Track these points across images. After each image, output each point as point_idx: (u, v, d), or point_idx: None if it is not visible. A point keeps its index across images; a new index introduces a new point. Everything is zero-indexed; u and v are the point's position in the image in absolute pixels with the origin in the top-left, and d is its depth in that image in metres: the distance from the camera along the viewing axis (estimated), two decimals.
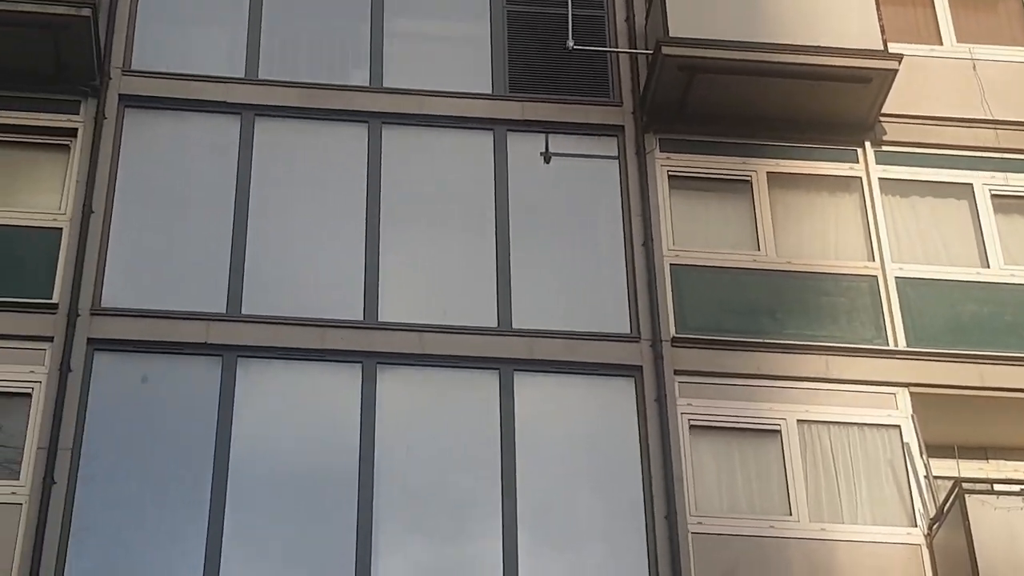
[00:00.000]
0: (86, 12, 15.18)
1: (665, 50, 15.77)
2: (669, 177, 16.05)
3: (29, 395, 14.04)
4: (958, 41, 17.33)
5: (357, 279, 15.10)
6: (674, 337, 15.02)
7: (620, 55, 16.74)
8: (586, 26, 16.84)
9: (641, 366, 14.86)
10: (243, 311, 14.78)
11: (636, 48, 16.69)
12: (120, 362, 14.43)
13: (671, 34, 15.88)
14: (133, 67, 16.02)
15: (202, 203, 15.44)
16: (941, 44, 17.35)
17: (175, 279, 14.96)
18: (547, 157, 16.11)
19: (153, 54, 16.21)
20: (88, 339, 14.39)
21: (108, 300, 14.71)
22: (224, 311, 14.74)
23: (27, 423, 13.89)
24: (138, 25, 16.31)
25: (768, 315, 15.36)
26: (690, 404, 14.74)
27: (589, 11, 17.04)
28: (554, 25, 16.83)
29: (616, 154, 16.19)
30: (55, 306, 14.49)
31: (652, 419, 14.55)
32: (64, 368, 14.11)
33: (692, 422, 14.64)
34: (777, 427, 14.68)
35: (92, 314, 14.52)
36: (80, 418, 14.00)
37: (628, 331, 15.11)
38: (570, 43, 16.42)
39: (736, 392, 14.84)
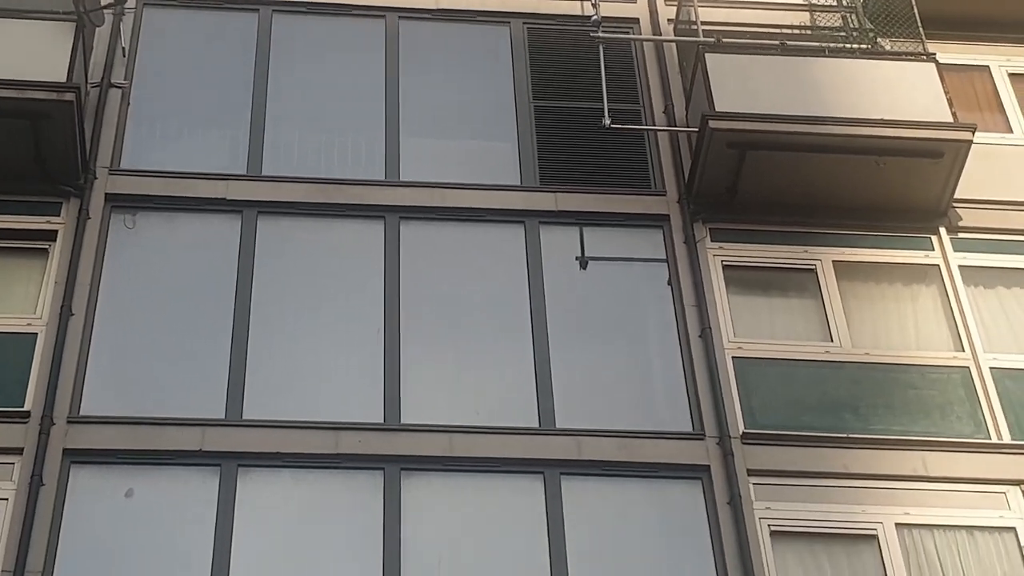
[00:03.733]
0: (69, 96, 13.66)
1: (712, 124, 14.13)
2: (723, 267, 14.26)
3: None
4: None
5: (376, 384, 13.12)
6: (744, 433, 13.00)
7: (660, 141, 15.07)
8: (622, 117, 15.16)
9: (708, 466, 12.78)
10: (244, 416, 12.78)
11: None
12: (101, 475, 12.36)
13: (718, 109, 14.32)
14: (122, 166, 14.38)
15: (197, 305, 13.56)
16: (1011, 132, 15.81)
17: (165, 384, 13.00)
18: (583, 262, 14.33)
19: (144, 154, 14.57)
20: (64, 450, 12.38)
21: (88, 408, 12.72)
22: (223, 416, 12.74)
23: None
24: (128, 124, 14.75)
25: (850, 410, 13.39)
26: (769, 508, 12.67)
27: (624, 104, 15.40)
28: (586, 118, 15.20)
29: (664, 255, 14.32)
30: (27, 414, 12.52)
31: (726, 525, 12.44)
32: (35, 482, 12.06)
33: (773, 528, 12.57)
34: (873, 532, 12.63)
35: (69, 422, 12.53)
36: (53, 539, 11.92)
37: (690, 428, 13.08)
38: (606, 120, 14.70)
39: (822, 494, 12.82)
